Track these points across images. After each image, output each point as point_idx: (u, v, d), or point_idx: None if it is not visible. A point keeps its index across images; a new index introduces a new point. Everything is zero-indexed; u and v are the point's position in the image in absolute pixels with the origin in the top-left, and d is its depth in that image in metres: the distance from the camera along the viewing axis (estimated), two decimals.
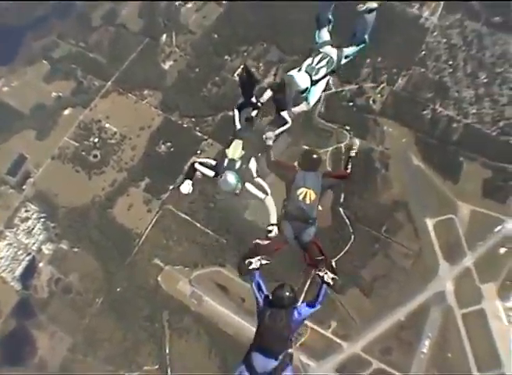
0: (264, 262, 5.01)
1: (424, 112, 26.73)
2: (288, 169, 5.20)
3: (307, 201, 4.80)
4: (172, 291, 26.97)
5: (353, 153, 5.31)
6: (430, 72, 27.23)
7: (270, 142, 5.13)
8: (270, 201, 5.10)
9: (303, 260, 5.17)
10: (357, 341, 24.98)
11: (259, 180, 5.07)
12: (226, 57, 29.07)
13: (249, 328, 25.88)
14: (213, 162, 5.21)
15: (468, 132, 26.49)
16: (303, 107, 5.28)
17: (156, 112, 29.37)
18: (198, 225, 27.25)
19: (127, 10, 31.96)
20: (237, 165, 4.92)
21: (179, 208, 27.69)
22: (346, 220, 25.48)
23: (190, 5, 31.03)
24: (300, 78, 4.91)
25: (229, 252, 26.71)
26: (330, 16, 5.17)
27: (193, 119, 28.61)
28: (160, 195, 27.87)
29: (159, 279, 27.06)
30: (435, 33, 27.83)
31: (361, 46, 5.14)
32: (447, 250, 25.37)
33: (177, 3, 31.07)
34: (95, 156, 29.00)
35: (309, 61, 5.10)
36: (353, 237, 25.37)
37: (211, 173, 5.21)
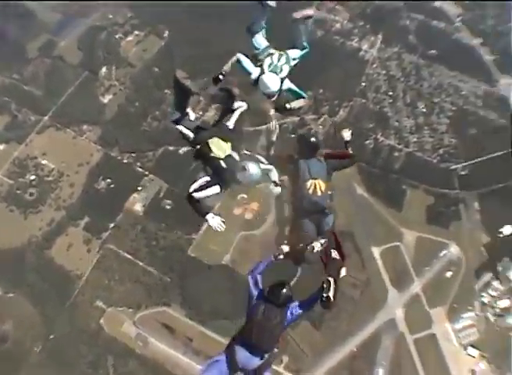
0: (323, 241, 6.08)
1: (367, 142, 37.75)
2: (287, 162, 6.67)
3: (319, 193, 6.29)
4: (115, 334, 35.14)
5: (347, 137, 7.23)
6: (371, 103, 39.09)
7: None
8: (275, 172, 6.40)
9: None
10: None
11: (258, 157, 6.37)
12: (166, 91, 39.16)
13: (198, 368, 35.69)
14: (207, 179, 6.36)
15: (410, 160, 37.72)
16: (301, 102, 6.87)
17: (95, 148, 39.28)
18: (141, 264, 36.19)
19: (66, 42, 42.75)
20: (236, 156, 6.12)
21: (120, 247, 36.64)
22: None
23: (130, 38, 42.43)
24: (270, 80, 6.50)
25: (174, 291, 35.66)
26: (263, 23, 6.71)
27: (133, 155, 38.45)
28: (100, 234, 36.90)
29: (102, 322, 35.31)
30: (374, 65, 40.25)
31: (304, 51, 7.06)
32: (395, 277, 35.60)
33: (117, 36, 42.59)
34: (31, 194, 38.13)
35: (269, 60, 6.63)
36: (299, 269, 32.45)
37: (216, 190, 6.41)
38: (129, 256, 36.99)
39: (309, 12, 7.04)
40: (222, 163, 6.14)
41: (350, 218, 36.84)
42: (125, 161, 39.36)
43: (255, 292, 6.22)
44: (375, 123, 38.62)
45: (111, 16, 44.44)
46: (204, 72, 39.94)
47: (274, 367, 33.96)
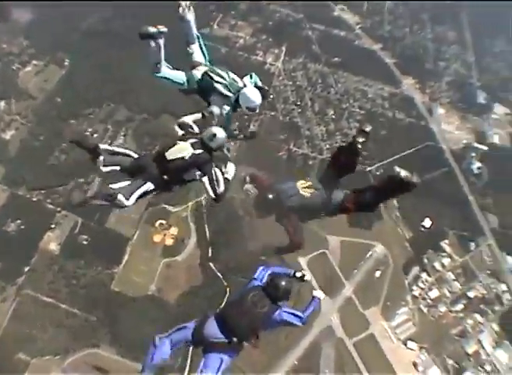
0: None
1: (280, 154, 37.94)
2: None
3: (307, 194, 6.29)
4: None
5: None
6: (280, 114, 39.41)
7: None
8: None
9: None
10: None
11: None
12: (72, 121, 38.23)
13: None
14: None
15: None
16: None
17: (0, 188, 36.95)
18: (62, 306, 34.08)
19: None
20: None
21: (38, 291, 34.32)
22: (218, 274, 34.75)
23: (28, 68, 40.31)
24: (252, 93, 6.45)
25: (102, 330, 33.84)
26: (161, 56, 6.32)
27: (42, 192, 36.51)
28: (15, 280, 34.48)
29: None
30: (280, 78, 40.66)
31: (202, 42, 6.81)
32: (325, 284, 35.09)
33: (14, 67, 40.30)
34: None
35: (220, 86, 6.40)
36: (228, 289, 34.01)
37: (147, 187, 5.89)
38: (49, 300, 34.75)
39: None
40: (197, 151, 6.00)
41: (274, 232, 36.31)
42: (34, 199, 37.28)
43: (256, 282, 6.02)
44: (286, 134, 38.81)
45: (5, 46, 42.06)
46: (106, 99, 39.09)
47: None
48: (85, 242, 36.05)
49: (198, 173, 6.06)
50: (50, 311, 34.57)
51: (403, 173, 6.15)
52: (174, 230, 35.83)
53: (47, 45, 41.98)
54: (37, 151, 38.46)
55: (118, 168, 6.11)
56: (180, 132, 6.38)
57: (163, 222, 36.08)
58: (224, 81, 6.40)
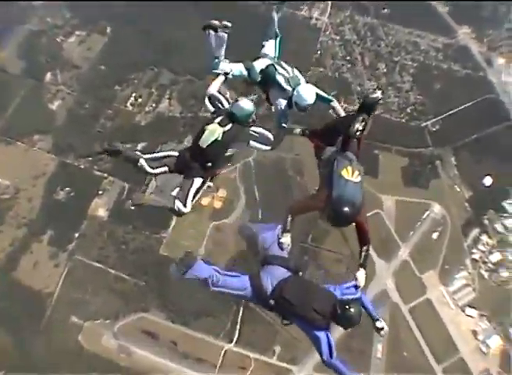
0: None
1: (330, 111, 37.16)
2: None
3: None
4: (96, 350, 32.60)
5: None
6: (329, 70, 36.95)
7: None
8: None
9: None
10: (306, 362, 31.43)
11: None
12: (116, 87, 37.48)
13: (188, 373, 32.28)
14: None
15: (378, 123, 35.18)
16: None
17: (49, 157, 36.77)
18: (112, 271, 33.67)
19: (5, 52, 40.36)
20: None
21: (88, 257, 34.04)
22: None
23: (72, 39, 40.02)
24: (305, 92, 6.28)
25: (150, 295, 33.19)
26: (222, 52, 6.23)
27: (89, 159, 35.96)
28: (66, 246, 34.35)
29: (80, 338, 32.79)
30: (327, 32, 38.04)
31: (278, 39, 6.86)
32: (380, 247, 32.88)
33: (58, 39, 40.12)
34: None
35: (281, 77, 6.35)
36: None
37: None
38: (99, 265, 34.37)
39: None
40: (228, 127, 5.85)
41: None
42: (82, 166, 36.94)
43: (334, 290, 5.87)
44: (336, 91, 35.70)
45: (49, 19, 41.80)
46: (150, 63, 37.93)
47: (266, 360, 31.87)
48: (132, 207, 34.20)
49: (239, 144, 6.04)
50: (100, 276, 34.26)
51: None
52: (222, 193, 34.38)
53: (88, 16, 41.42)
54: (83, 120, 37.99)
55: (167, 169, 6.25)
56: (210, 107, 6.27)
57: (211, 184, 33.23)
58: (286, 74, 6.39)
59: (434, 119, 35.82)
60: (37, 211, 36.21)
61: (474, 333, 32.08)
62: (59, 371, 32.40)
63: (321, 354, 5.28)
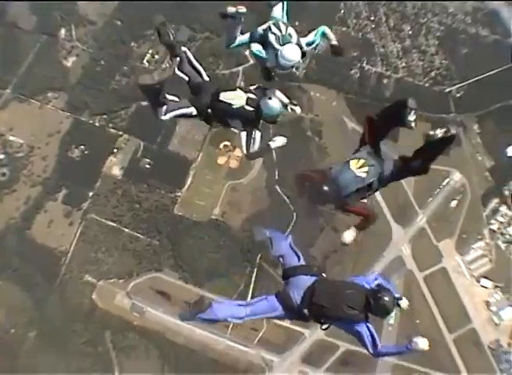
0: None
1: (352, 72, 34.29)
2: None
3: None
4: (110, 308, 32.74)
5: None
6: (352, 30, 35.24)
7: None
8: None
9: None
10: (318, 326, 32.97)
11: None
12: (133, 44, 36.21)
13: (199, 333, 32.40)
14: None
15: (400, 86, 33.98)
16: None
17: (64, 115, 35.91)
18: (126, 230, 33.40)
19: (17, 7, 38.47)
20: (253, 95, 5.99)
21: (102, 216, 33.74)
22: (285, 198, 32.38)
23: None
24: (289, 52, 6.02)
25: (164, 254, 32.95)
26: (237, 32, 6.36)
27: (104, 116, 35.25)
28: (80, 205, 33.98)
29: (94, 297, 32.82)
30: None
31: (286, 4, 6.46)
32: (397, 212, 32.51)
33: None
34: (3, 174, 35.12)
35: (272, 36, 6.11)
36: (295, 215, 32.13)
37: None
38: (113, 224, 34.14)
39: None
40: (248, 107, 5.87)
41: (343, 154, 32.33)
42: (97, 124, 36.01)
43: (362, 281, 5.67)
44: (359, 51, 35.08)
45: None
46: (167, 19, 36.26)
47: (280, 322, 30.91)
48: (147, 166, 34.69)
49: (240, 124, 5.97)
50: (114, 235, 34.04)
51: (439, 133, 6.17)
52: (239, 152, 32.88)
53: None
54: (98, 76, 36.93)
55: (187, 79, 6.39)
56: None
57: (227, 143, 33.69)
58: (279, 33, 6.22)
59: (458, 85, 34.29)
60: (51, 169, 35.72)
61: (488, 304, 31.66)
62: (73, 328, 32.99)
63: (366, 347, 5.20)
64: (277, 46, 6.14)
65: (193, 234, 32.94)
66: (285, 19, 6.41)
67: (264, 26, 6.32)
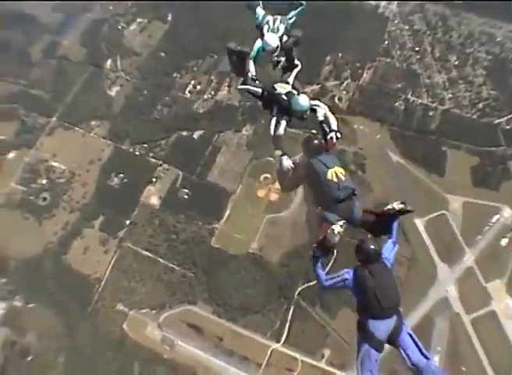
0: (341, 222, 5.90)
1: (397, 104, 32.75)
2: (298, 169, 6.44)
3: (343, 178, 5.85)
4: (140, 339, 31.23)
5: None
6: (397, 61, 33.98)
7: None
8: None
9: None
10: (355, 370, 30.31)
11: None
12: (175, 74, 36.18)
13: (232, 370, 30.88)
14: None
15: (447, 119, 32.24)
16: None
17: (105, 143, 35.83)
18: (161, 260, 32.25)
19: (69, 40, 40.00)
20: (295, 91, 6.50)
21: (138, 245, 32.82)
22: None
23: (133, 26, 38.95)
24: (269, 38, 6.63)
25: (199, 287, 31.47)
26: None
27: (145, 145, 34.94)
28: (117, 233, 33.19)
29: (125, 326, 31.52)
30: (396, 21, 35.05)
31: (300, 8, 6.99)
32: (444, 250, 30.09)
33: (119, 26, 39.15)
34: (44, 199, 34.94)
35: (266, 26, 6.79)
36: (335, 251, 31.23)
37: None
38: (148, 253, 33.03)
39: None
40: (284, 97, 6.37)
41: (388, 188, 31.98)
42: (137, 153, 35.70)
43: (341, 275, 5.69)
44: (404, 83, 33.68)
45: (111, 8, 41.21)
46: (209, 51, 36.40)
47: (314, 363, 29.13)
48: (186, 196, 33.78)
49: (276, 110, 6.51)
50: (149, 265, 32.90)
51: (397, 206, 5.88)
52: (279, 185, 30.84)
53: (149, 3, 40.66)
54: (140, 106, 36.93)
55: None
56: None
57: (268, 175, 32.64)
58: (272, 25, 6.86)
59: (508, 116, 32.27)
60: (90, 196, 35.37)
61: None
62: (103, 357, 31.48)
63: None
64: (265, 33, 6.78)
65: (230, 268, 31.52)
66: (291, 19, 6.96)
67: (269, 17, 6.92)
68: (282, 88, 6.53)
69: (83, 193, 35.36)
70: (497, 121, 31.95)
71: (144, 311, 32.18)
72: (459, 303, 29.46)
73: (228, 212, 32.73)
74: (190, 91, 35.52)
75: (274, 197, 31.84)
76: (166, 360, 30.98)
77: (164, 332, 31.52)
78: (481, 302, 29.16)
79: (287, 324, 29.92)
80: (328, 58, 34.53)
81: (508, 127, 31.91)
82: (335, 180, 5.89)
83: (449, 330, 29.03)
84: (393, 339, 5.22)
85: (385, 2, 35.18)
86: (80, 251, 33.92)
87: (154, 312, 32.01)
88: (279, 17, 7.04)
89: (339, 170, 5.99)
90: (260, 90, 6.71)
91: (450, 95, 32.56)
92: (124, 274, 32.95)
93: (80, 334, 32.03)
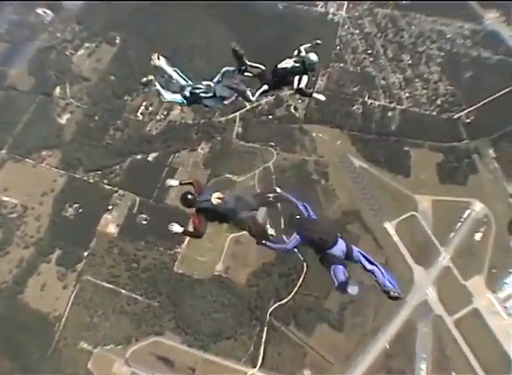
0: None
1: (354, 108, 31.35)
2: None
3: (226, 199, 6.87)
4: None
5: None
6: (350, 65, 32.74)
7: None
8: None
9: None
10: None
11: None
12: (126, 97, 34.28)
13: None
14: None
15: (406, 118, 30.90)
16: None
17: (57, 173, 33.38)
18: (124, 292, 29.74)
19: (16, 69, 37.76)
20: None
21: (98, 277, 30.21)
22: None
23: (81, 51, 36.93)
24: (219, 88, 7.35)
25: (165, 317, 29.04)
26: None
27: (98, 172, 32.68)
28: (75, 266, 30.62)
29: (90, 366, 28.71)
30: (346, 26, 33.95)
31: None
32: (418, 252, 28.28)
33: (67, 52, 37.06)
34: None
35: (203, 85, 7.40)
36: (305, 265, 28.19)
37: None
38: (109, 285, 30.43)
39: None
40: (295, 64, 7.56)
41: (353, 195, 30.35)
42: (91, 181, 33.36)
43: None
44: (359, 86, 32.36)
45: (59, 34, 39.16)
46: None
47: None
48: (144, 222, 31.42)
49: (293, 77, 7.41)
50: (111, 297, 30.30)
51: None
52: None
53: (97, 27, 38.75)
54: (92, 132, 34.71)
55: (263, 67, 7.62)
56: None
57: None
58: (203, 88, 7.40)
59: (467, 110, 31.09)
60: (44, 229, 32.68)
61: None
62: None
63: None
64: (210, 94, 7.50)
65: (196, 293, 29.12)
66: (188, 82, 7.72)
67: (187, 93, 7.57)
68: (286, 63, 7.48)
69: (37, 227, 32.75)
70: (457, 115, 30.82)
71: (110, 347, 29.45)
72: (440, 305, 27.58)
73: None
74: (142, 113, 33.62)
75: None
76: None
77: (132, 368, 28.84)
78: (462, 301, 27.38)
79: (262, 347, 27.65)
80: None
81: (468, 121, 30.76)
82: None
83: (433, 335, 27.09)
84: (349, 255, 6.23)
85: (333, 9, 33.65)
86: (37, 289, 31.23)
87: (120, 347, 29.29)
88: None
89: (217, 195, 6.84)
90: (266, 87, 7.51)
91: (407, 94, 31.45)
92: (85, 309, 30.25)
93: None
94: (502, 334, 26.49)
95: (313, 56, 7.30)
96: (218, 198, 6.83)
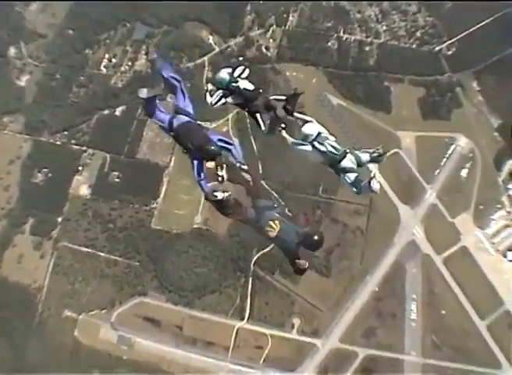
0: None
1: (329, 44, 29.61)
2: None
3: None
4: (95, 344, 27.87)
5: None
6: None
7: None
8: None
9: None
10: (330, 334, 26.13)
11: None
12: (87, 51, 31.98)
13: (197, 360, 26.78)
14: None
15: (385, 52, 29.19)
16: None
17: (22, 138, 31.47)
18: (102, 254, 28.74)
19: None
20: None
21: (75, 242, 29.12)
22: (273, 192, 26.61)
23: (33, 6, 33.84)
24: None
25: (146, 276, 28.16)
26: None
27: (65, 133, 30.88)
28: (50, 233, 29.44)
29: (76, 334, 28.10)
30: None
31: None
32: (403, 191, 27.30)
33: (18, 8, 33.74)
34: None
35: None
36: (286, 209, 27.83)
37: None
38: (87, 249, 29.34)
39: None
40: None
41: (333, 134, 27.96)
42: (58, 143, 31.43)
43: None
44: (333, 21, 30.28)
45: None
46: (121, 19, 32.24)
47: (284, 335, 26.50)
48: (117, 180, 30.00)
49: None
50: (90, 261, 29.26)
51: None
52: None
53: None
54: (54, 91, 32.38)
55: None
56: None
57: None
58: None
59: (448, 42, 29.33)
60: (15, 200, 31.06)
61: None
62: (59, 370, 27.54)
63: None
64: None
65: (176, 249, 28.08)
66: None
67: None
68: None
69: (8, 197, 31.16)
70: (438, 48, 29.16)
71: (94, 312, 28.74)
72: (428, 244, 26.86)
73: (164, 188, 29.37)
74: (105, 66, 31.70)
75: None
76: (127, 361, 27.82)
77: (119, 331, 28.21)
78: (450, 240, 26.69)
79: (248, 299, 27.19)
80: (248, 7, 30.96)
81: (450, 53, 29.13)
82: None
83: (422, 274, 26.58)
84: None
85: None
86: (14, 261, 30.03)
87: (104, 311, 28.64)
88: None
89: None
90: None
91: (385, 27, 29.83)
92: (65, 277, 29.31)
93: (30, 352, 28.41)
94: (490, 270, 26.12)
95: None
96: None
